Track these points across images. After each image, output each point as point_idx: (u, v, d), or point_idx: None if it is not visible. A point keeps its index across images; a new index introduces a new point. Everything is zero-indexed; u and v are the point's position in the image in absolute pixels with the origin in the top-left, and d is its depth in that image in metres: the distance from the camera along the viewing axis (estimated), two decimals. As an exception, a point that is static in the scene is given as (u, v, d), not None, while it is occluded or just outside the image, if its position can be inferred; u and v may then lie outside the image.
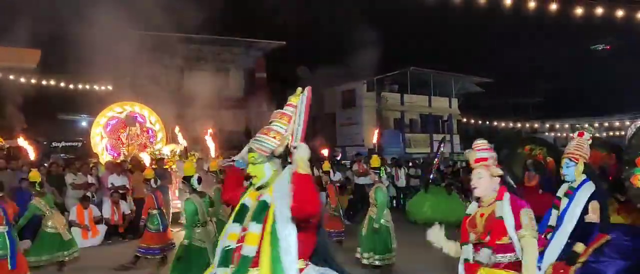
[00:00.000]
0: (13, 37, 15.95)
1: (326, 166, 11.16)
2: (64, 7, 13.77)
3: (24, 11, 13.38)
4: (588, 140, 4.73)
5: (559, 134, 34.01)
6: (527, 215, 3.47)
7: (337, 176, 15.09)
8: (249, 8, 15.88)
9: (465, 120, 33.54)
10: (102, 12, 15.45)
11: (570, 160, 4.67)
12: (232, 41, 24.92)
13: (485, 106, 37.14)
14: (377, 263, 7.62)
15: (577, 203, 4.56)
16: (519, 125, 32.54)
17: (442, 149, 14.58)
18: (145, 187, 9.33)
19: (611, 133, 32.09)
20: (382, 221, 7.56)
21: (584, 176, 4.60)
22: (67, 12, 14.03)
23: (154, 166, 13.39)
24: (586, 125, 5.01)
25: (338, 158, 24.75)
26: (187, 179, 6.97)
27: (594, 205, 4.45)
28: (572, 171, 4.64)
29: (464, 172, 17.20)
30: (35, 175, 8.51)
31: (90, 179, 12.16)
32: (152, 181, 8.88)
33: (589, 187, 4.53)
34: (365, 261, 7.66)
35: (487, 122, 32.43)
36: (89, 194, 11.36)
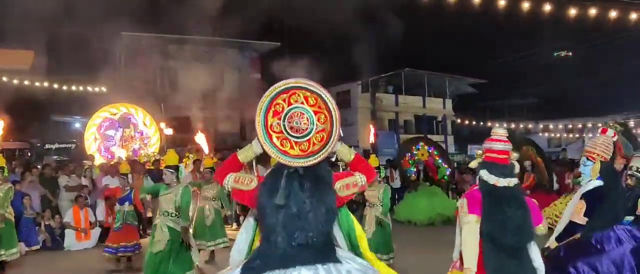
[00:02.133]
0: (6, 39, 15.88)
1: None
2: (57, 8, 13.69)
3: (16, 13, 13.29)
4: (613, 137, 4.57)
5: (552, 135, 34.13)
6: (458, 205, 3.67)
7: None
8: (244, 9, 15.84)
9: (459, 121, 33.60)
10: (96, 13, 15.38)
11: (588, 158, 4.57)
12: (227, 42, 24.87)
13: (479, 106, 37.28)
14: (384, 261, 7.57)
15: (573, 202, 4.58)
16: (513, 126, 32.59)
17: (416, 150, 14.57)
18: (120, 183, 9.35)
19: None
20: (382, 217, 7.58)
21: (597, 175, 4.48)
22: (60, 13, 13.95)
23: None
24: (611, 122, 4.93)
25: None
26: (174, 168, 6.95)
27: (580, 204, 4.44)
28: (588, 170, 4.55)
29: (459, 173, 17.23)
30: (0, 161, 8.12)
31: (84, 181, 12.10)
32: (130, 176, 8.99)
33: (588, 186, 4.49)
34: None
35: (481, 123, 32.49)
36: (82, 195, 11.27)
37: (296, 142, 2.95)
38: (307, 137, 2.95)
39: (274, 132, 2.97)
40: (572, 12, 13.33)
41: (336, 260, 2.91)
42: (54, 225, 10.68)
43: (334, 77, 26.90)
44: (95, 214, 11.19)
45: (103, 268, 8.59)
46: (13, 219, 8.29)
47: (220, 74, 26.21)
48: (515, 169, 3.62)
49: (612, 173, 4.52)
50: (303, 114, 2.95)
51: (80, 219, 10.69)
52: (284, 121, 2.95)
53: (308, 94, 2.95)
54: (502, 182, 3.51)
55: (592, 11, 13.27)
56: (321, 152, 2.93)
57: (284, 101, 2.97)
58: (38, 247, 10.04)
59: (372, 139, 16.56)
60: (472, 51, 33.86)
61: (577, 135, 31.12)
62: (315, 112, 2.95)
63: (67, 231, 10.63)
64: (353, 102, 31.58)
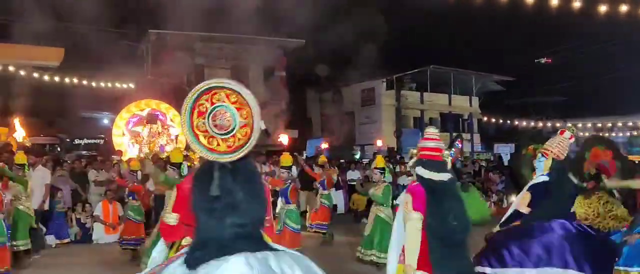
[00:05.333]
0: (37, 36, 16.21)
1: (322, 159, 11.25)
2: (87, 5, 13.94)
3: (47, 10, 13.57)
4: (569, 139, 4.91)
5: (580, 134, 33.58)
6: (402, 200, 3.78)
7: (356, 175, 15.12)
8: (269, 6, 15.94)
9: (485, 119, 33.26)
10: (125, 11, 15.60)
11: (542, 155, 4.93)
12: (252, 39, 25.02)
13: (506, 104, 36.81)
14: (382, 260, 7.53)
15: (521, 193, 4.95)
16: (540, 124, 32.17)
17: (458, 145, 14.42)
18: (128, 178, 9.63)
19: (635, 132, 31.60)
20: (385, 217, 7.59)
21: (547, 171, 4.86)
22: (91, 11, 14.20)
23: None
24: (569, 124, 5.31)
25: (357, 156, 24.72)
26: (176, 166, 7.07)
27: (525, 195, 4.81)
28: (541, 165, 4.92)
29: (485, 171, 17.11)
30: (21, 157, 8.43)
31: (113, 175, 12.29)
32: (139, 173, 9.42)
33: (536, 180, 4.88)
34: (366, 258, 7.66)
35: (508, 121, 32.14)
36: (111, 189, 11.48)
37: (223, 139, 3.04)
38: (232, 134, 3.03)
39: (200, 131, 3.06)
40: (602, 8, 13.11)
41: (271, 249, 3.02)
42: (84, 220, 10.90)
43: (358, 75, 26.90)
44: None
45: (128, 259, 8.80)
46: (31, 213, 8.52)
47: (246, 71, 26.42)
48: (447, 165, 3.82)
49: (561, 171, 4.84)
50: (226, 111, 3.04)
51: (108, 213, 10.89)
52: (208, 120, 3.03)
53: (229, 91, 3.07)
54: (438, 176, 3.70)
55: (623, 8, 13.06)
56: (246, 146, 3.02)
57: (207, 101, 3.06)
58: (68, 240, 10.28)
59: (380, 143, 16.56)
60: (499, 48, 33.47)
61: (606, 134, 30.56)
62: (238, 109, 3.05)
63: (95, 224, 10.85)
64: (377, 99, 31.49)
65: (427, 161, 3.78)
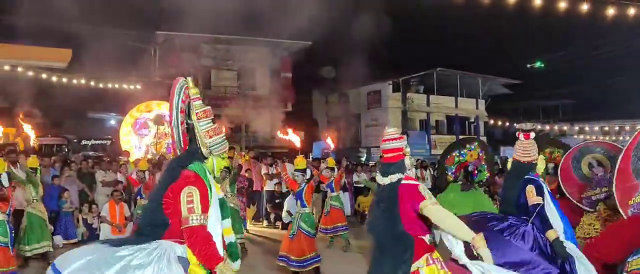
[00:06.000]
0: (45, 37, 16.29)
1: (331, 162, 11.22)
2: (95, 7, 14.00)
3: (55, 11, 13.65)
4: (521, 138, 5.03)
5: (588, 137, 33.41)
6: None
7: (363, 177, 15.10)
8: (275, 8, 15.96)
9: (492, 122, 33.18)
10: (132, 12, 15.66)
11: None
12: (259, 41, 25.07)
13: (512, 107, 36.69)
14: None
15: None
16: (547, 127, 32.04)
17: (466, 150, 14.24)
18: (137, 177, 9.78)
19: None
20: None
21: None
22: (98, 12, 14.26)
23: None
24: (527, 124, 5.44)
25: (363, 159, 24.70)
26: None
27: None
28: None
29: (491, 175, 17.00)
30: (34, 161, 8.66)
31: (119, 176, 12.33)
32: (147, 172, 9.67)
33: None
34: None
35: (515, 124, 32.02)
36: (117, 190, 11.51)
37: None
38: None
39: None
40: (610, 12, 13.05)
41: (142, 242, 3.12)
42: (91, 220, 10.93)
43: (364, 77, 26.91)
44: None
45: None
46: (44, 216, 8.59)
47: (252, 72, 26.49)
48: (406, 163, 3.65)
49: (514, 172, 5.04)
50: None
51: (115, 214, 10.90)
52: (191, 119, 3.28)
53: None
54: (383, 180, 3.60)
55: (631, 11, 12.99)
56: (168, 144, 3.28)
57: (184, 100, 3.27)
58: (76, 240, 10.32)
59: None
60: (505, 51, 33.41)
61: (614, 137, 30.39)
62: (182, 111, 3.23)
63: (102, 224, 10.88)
64: (383, 102, 31.47)
65: (383, 164, 3.67)
